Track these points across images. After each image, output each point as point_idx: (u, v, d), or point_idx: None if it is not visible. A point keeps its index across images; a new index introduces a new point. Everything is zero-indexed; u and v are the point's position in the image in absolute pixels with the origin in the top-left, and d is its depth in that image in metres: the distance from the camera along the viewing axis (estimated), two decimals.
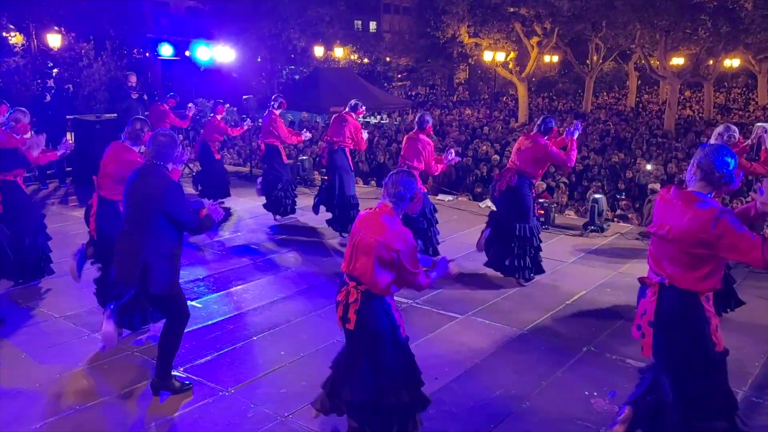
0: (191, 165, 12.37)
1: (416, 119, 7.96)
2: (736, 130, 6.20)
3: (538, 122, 6.99)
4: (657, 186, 12.60)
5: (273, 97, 9.83)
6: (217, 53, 14.76)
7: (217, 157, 10.91)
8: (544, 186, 13.47)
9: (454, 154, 7.75)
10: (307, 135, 10.11)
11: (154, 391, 4.65)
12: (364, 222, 3.84)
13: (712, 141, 6.20)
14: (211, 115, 10.81)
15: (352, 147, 9.00)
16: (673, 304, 3.49)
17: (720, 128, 6.21)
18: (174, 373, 4.78)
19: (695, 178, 3.48)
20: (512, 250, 6.94)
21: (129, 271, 4.38)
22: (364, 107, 9.22)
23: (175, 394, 4.65)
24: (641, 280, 3.71)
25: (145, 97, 12.09)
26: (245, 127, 11.31)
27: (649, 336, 3.58)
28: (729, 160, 3.41)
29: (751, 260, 3.26)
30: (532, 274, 7.08)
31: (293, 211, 9.79)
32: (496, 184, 7.08)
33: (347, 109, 8.98)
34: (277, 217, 9.75)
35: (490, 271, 7.33)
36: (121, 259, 4.48)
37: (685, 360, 3.52)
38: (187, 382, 4.78)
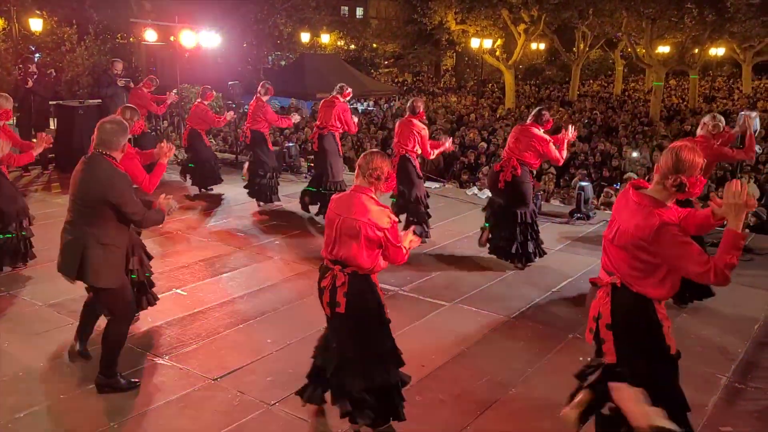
0: (177, 153, 12.21)
1: (408, 105, 8.27)
2: (722, 119, 6.23)
3: (534, 113, 7.17)
4: (633, 175, 12.60)
5: (260, 84, 9.80)
6: (203, 38, 14.56)
7: (207, 144, 10.79)
8: (534, 172, 13.49)
9: (449, 143, 8.31)
10: (296, 118, 10.51)
11: (99, 389, 4.50)
12: (342, 205, 3.85)
13: (699, 131, 6.23)
14: (198, 100, 10.61)
15: (341, 131, 9.01)
16: (626, 305, 3.35)
17: (706, 118, 6.24)
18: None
19: (654, 180, 3.36)
20: (516, 237, 7.09)
21: (70, 262, 4.28)
22: (350, 89, 9.26)
23: (121, 392, 4.49)
24: (593, 281, 3.57)
25: (131, 84, 11.88)
26: (228, 119, 11.11)
27: (609, 341, 3.39)
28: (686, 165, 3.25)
29: (693, 276, 3.20)
30: (536, 258, 7.22)
31: (277, 199, 9.77)
32: (497, 174, 7.10)
33: (333, 93, 9.01)
34: (260, 204, 9.71)
35: (476, 259, 7.37)
36: (63, 250, 4.36)
37: (643, 361, 3.38)
38: (135, 380, 4.64)
